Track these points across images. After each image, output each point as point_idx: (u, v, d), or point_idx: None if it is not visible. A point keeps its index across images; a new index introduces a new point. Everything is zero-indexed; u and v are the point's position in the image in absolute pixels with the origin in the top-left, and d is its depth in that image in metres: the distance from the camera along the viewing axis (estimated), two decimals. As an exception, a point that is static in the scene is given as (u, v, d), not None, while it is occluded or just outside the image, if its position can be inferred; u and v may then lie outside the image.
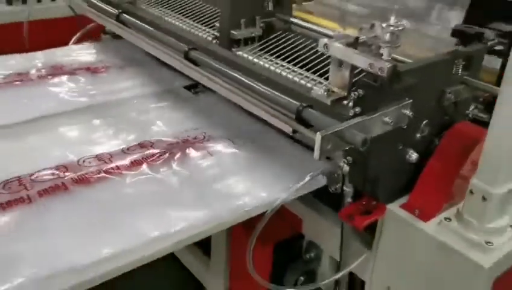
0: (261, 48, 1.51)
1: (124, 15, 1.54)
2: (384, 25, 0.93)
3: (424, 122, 1.13)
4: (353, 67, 1.01)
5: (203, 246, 1.98)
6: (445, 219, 1.11)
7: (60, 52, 1.71)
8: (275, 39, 1.50)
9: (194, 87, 1.61)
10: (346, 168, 1.08)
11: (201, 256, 2.05)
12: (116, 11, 1.56)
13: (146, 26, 1.47)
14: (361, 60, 0.96)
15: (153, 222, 0.95)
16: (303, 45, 1.41)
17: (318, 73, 1.28)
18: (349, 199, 1.14)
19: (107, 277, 0.86)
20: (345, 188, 1.13)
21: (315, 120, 0.97)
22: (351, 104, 0.99)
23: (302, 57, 1.36)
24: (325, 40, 1.03)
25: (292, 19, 1.59)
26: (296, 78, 1.25)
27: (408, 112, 1.00)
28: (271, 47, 1.48)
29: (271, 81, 1.19)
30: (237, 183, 1.09)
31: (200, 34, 1.59)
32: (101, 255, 0.86)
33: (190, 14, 1.72)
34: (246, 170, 1.14)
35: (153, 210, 0.99)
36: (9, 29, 2.47)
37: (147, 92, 1.49)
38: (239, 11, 1.49)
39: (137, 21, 1.51)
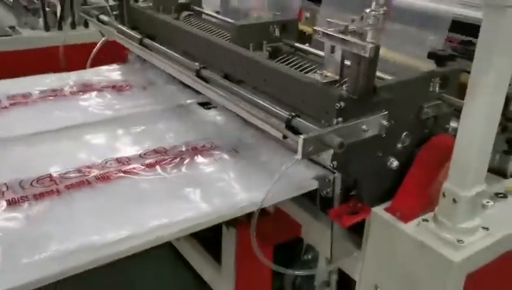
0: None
1: (146, 39, 1.74)
2: (367, 10, 1.08)
3: (404, 133, 1.26)
4: (343, 53, 1.15)
5: (215, 253, 2.13)
6: (423, 220, 1.24)
7: (90, 73, 1.92)
8: (279, 61, 1.67)
9: (207, 104, 1.79)
10: (336, 174, 1.22)
11: (212, 262, 2.20)
12: (140, 36, 1.77)
13: (164, 48, 1.67)
14: (347, 43, 1.11)
15: (162, 212, 1.11)
16: (303, 66, 1.58)
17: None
18: (337, 201, 1.27)
19: (122, 255, 1.02)
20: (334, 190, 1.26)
21: (302, 127, 1.13)
22: (334, 115, 1.14)
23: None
24: (322, 28, 1.18)
25: (296, 44, 1.75)
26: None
27: (385, 122, 1.14)
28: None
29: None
30: (236, 185, 1.25)
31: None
32: (118, 236, 1.02)
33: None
34: (244, 173, 1.30)
35: (162, 203, 1.15)
36: (47, 52, 2.73)
37: (164, 107, 1.68)
38: (247, 37, 1.67)
39: (156, 44, 1.71)
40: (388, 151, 1.25)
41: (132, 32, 1.81)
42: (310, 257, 1.58)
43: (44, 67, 2.05)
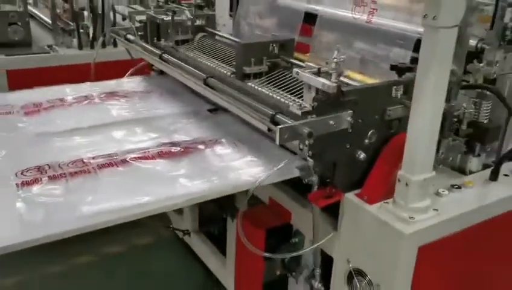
0: (267, 80, 1.97)
1: (165, 55, 2.07)
2: (332, 58, 1.38)
3: (370, 131, 1.53)
4: (317, 90, 1.45)
5: (222, 248, 2.40)
6: (385, 202, 1.50)
7: (116, 83, 2.26)
8: (277, 74, 1.97)
9: (216, 110, 2.10)
10: (311, 161, 1.49)
11: (218, 255, 2.47)
12: (160, 51, 2.10)
13: (179, 62, 1.99)
14: (317, 82, 1.41)
15: (169, 186, 1.40)
16: (295, 79, 1.87)
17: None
18: (316, 186, 1.54)
19: (144, 215, 1.31)
20: (312, 177, 1.53)
21: (282, 122, 1.42)
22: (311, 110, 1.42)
23: (294, 86, 1.81)
24: (297, 69, 1.49)
25: (292, 60, 2.05)
26: (283, 100, 1.70)
27: (349, 119, 1.42)
28: (274, 79, 1.94)
29: (265, 101, 1.66)
30: (231, 171, 1.54)
31: (221, 70, 2.08)
32: (140, 201, 1.32)
33: (216, 55, 2.23)
34: (240, 162, 1.59)
35: (171, 180, 1.45)
36: (80, 68, 3.10)
37: (178, 111, 1.99)
38: (249, 53, 1.98)
39: (173, 58, 2.03)
40: (356, 145, 1.51)
41: (153, 49, 2.15)
42: (297, 240, 1.84)
43: (78, 82, 2.39)
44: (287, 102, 1.69)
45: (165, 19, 2.36)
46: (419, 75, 1.33)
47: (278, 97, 1.76)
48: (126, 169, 1.49)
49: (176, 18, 2.38)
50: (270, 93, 1.81)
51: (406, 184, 1.42)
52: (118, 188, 1.40)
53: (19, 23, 3.23)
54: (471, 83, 1.69)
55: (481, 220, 1.53)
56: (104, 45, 3.29)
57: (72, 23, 3.35)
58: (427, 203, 1.45)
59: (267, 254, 1.70)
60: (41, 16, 3.87)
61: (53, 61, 3.18)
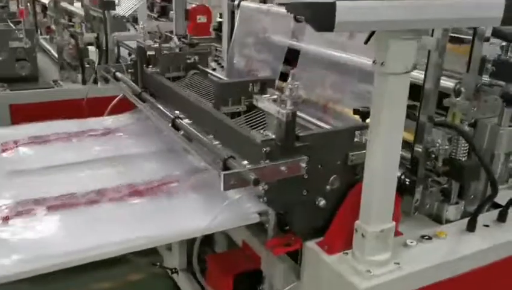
0: (245, 119, 1.94)
1: (144, 93, 2.08)
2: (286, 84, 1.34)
3: (332, 177, 1.47)
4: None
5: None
6: (344, 253, 1.42)
7: (98, 120, 2.28)
8: (255, 114, 1.93)
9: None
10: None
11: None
12: (140, 90, 2.11)
13: (154, 101, 1.99)
14: (273, 108, 1.37)
15: (113, 230, 1.38)
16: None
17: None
18: (273, 233, 1.48)
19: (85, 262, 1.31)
20: (269, 223, 1.48)
21: (232, 166, 1.37)
22: (263, 157, 1.37)
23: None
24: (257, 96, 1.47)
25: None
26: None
27: (303, 165, 1.37)
28: (251, 119, 1.90)
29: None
30: (188, 213, 1.50)
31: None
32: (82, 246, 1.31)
33: (201, 92, 2.22)
34: (197, 204, 1.55)
35: (129, 224, 1.45)
36: (82, 103, 3.16)
37: (152, 150, 1.98)
38: (227, 93, 1.96)
39: (150, 97, 2.04)
40: (315, 191, 1.45)
41: (135, 87, 2.16)
42: (265, 287, 1.77)
43: (79, 117, 2.43)
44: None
45: (152, 45, 2.39)
46: (372, 121, 1.27)
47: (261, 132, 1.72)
48: (75, 211, 1.48)
49: (164, 50, 2.41)
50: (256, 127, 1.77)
51: (362, 235, 1.34)
52: (62, 230, 1.39)
53: (27, 59, 3.33)
54: (445, 120, 1.61)
55: (449, 276, 1.43)
56: (107, 80, 3.35)
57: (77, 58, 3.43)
58: (387, 256, 1.37)
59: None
60: (52, 50, 4.00)
61: (56, 95, 3.26)
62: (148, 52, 2.43)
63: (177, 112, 1.83)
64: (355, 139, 1.48)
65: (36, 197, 1.55)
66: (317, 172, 1.43)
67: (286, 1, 2.17)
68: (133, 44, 3.94)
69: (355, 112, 1.52)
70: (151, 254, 2.82)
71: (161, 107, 1.88)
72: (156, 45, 2.38)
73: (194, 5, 6.02)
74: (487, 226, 1.63)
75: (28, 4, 4.73)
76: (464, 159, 1.60)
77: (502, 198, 1.71)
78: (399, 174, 1.69)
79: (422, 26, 1.13)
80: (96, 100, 2.81)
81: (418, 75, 1.52)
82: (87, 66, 3.47)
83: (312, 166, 1.41)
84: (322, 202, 1.46)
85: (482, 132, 1.68)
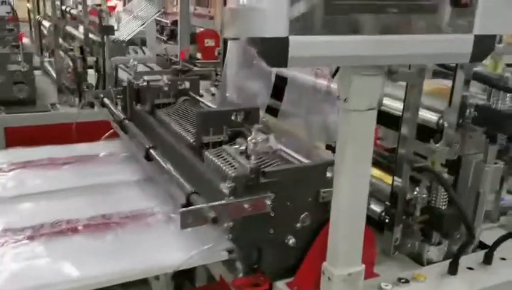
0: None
1: (126, 121, 2.05)
2: (249, 138, 1.30)
3: (303, 214, 1.41)
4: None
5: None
6: (313, 295, 1.35)
7: (81, 146, 2.25)
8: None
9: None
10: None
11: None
12: (122, 117, 2.08)
13: (135, 130, 1.96)
14: (238, 160, 1.32)
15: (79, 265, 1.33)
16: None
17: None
18: (240, 271, 1.42)
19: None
20: (236, 262, 1.41)
21: (196, 202, 1.32)
22: (227, 192, 1.32)
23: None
24: (226, 147, 1.41)
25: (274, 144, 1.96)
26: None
27: (269, 203, 1.31)
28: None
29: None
30: (163, 247, 1.45)
31: (188, 137, 2.03)
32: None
33: (189, 120, 2.18)
34: (173, 237, 1.49)
35: (100, 257, 1.40)
36: (77, 127, 3.15)
37: (132, 178, 1.94)
38: (208, 122, 1.92)
39: (132, 126, 2.01)
40: (284, 229, 1.39)
41: (120, 115, 2.14)
42: (238, 326, 1.69)
43: (60, 139, 2.41)
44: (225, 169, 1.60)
45: (140, 84, 2.36)
46: (337, 158, 1.21)
47: (226, 169, 1.67)
48: (43, 243, 1.44)
49: (152, 84, 2.38)
50: (222, 165, 1.72)
51: (329, 278, 1.27)
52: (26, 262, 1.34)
53: (25, 82, 3.35)
54: (426, 164, 1.54)
55: (424, 323, 1.35)
56: (104, 105, 3.36)
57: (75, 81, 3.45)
58: (356, 301, 1.29)
59: None
60: (53, 73, 4.03)
61: (52, 119, 3.27)
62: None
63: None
64: (328, 175, 1.42)
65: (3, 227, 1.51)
66: (286, 209, 1.37)
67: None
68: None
69: (328, 147, 1.46)
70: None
71: (138, 137, 1.84)
72: (145, 84, 2.36)
73: (202, 29, 6.09)
74: (471, 269, 1.54)
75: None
76: (444, 207, 1.53)
77: (491, 237, 1.63)
78: (379, 210, 1.64)
79: (383, 62, 1.08)
80: (93, 124, 2.80)
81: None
82: (86, 89, 3.49)
83: (280, 203, 1.35)
84: (291, 241, 1.40)
85: (466, 169, 1.61)
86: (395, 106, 1.68)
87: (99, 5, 3.44)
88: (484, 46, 1.06)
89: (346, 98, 1.12)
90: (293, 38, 0.97)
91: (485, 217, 1.70)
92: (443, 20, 1.03)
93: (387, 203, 1.58)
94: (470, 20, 1.04)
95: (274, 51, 0.98)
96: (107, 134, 2.27)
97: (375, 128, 1.26)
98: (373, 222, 1.68)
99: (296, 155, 1.66)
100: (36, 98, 3.51)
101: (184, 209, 1.22)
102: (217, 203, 1.26)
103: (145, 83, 2.38)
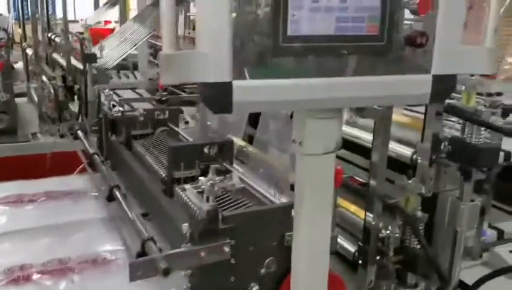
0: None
1: (95, 156, 1.99)
2: (203, 179, 1.23)
3: (268, 259, 1.33)
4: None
5: None
6: None
7: (54, 181, 2.18)
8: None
9: (146, 215, 1.95)
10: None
11: None
12: (91, 151, 2.02)
13: (102, 167, 1.90)
14: (195, 202, 1.27)
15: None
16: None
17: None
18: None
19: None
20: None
21: (150, 251, 1.25)
22: (185, 240, 1.25)
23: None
24: (187, 186, 1.35)
25: (226, 165, 1.91)
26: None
27: (227, 250, 1.23)
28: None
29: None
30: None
31: (161, 171, 1.97)
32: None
33: (163, 154, 2.12)
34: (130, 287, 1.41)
35: None
36: (58, 156, 3.10)
37: (98, 217, 1.86)
38: (179, 157, 1.86)
39: (100, 162, 1.95)
40: (246, 276, 1.31)
41: (89, 149, 2.08)
42: None
43: (50, 171, 2.35)
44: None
45: (115, 114, 2.31)
46: (296, 204, 1.15)
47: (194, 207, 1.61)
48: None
49: (127, 114, 2.33)
50: (190, 203, 1.66)
51: (290, 332, 1.19)
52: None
53: (6, 112, 3.30)
54: (396, 202, 1.47)
55: None
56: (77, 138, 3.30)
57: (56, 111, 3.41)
58: None
59: None
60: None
61: (32, 149, 3.21)
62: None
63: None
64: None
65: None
66: (248, 255, 1.30)
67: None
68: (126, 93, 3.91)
69: (292, 187, 1.39)
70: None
71: (104, 174, 1.78)
72: (119, 114, 2.30)
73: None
74: (450, 315, 1.46)
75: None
76: (418, 246, 1.46)
77: (473, 276, 1.55)
78: (353, 250, 1.57)
79: (335, 105, 1.01)
80: (72, 154, 2.74)
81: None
82: (70, 118, 3.44)
83: (241, 248, 1.28)
84: (255, 288, 1.32)
85: (442, 206, 1.54)
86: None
87: (82, 33, 3.40)
88: (444, 86, 1.00)
89: (301, 141, 1.06)
90: (237, 83, 0.91)
91: (466, 254, 1.63)
92: (398, 61, 0.97)
93: (360, 243, 1.51)
94: (427, 60, 0.98)
95: (217, 96, 0.92)
96: (78, 169, 2.20)
97: (339, 169, 1.20)
98: (348, 262, 1.61)
99: (265, 193, 1.60)
100: (18, 127, 3.46)
101: (133, 261, 1.15)
102: (170, 252, 1.19)
103: (119, 114, 2.33)
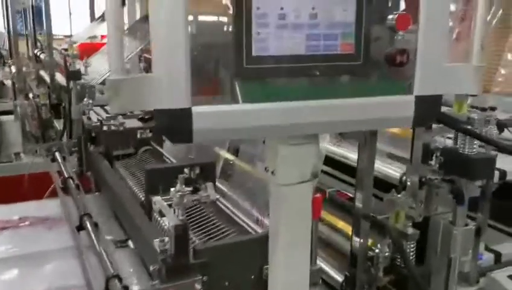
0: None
1: (69, 180, 1.89)
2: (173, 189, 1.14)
3: (246, 293, 1.23)
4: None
5: None
6: None
7: (30, 205, 2.08)
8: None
9: (125, 241, 1.85)
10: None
11: None
12: (67, 175, 1.93)
13: (74, 192, 1.81)
14: (166, 217, 1.17)
15: None
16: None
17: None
18: None
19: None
20: None
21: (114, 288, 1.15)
22: (154, 277, 1.15)
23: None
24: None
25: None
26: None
27: (199, 287, 1.13)
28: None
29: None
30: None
31: (140, 195, 1.87)
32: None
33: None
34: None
35: None
36: (41, 177, 3.00)
37: (69, 246, 1.76)
38: (157, 179, 1.76)
39: (73, 187, 1.85)
40: (222, 314, 1.21)
41: (63, 172, 1.99)
42: None
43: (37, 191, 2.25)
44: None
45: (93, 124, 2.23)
46: (270, 236, 1.05)
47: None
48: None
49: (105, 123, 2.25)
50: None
51: None
52: None
53: (-11, 133, 3.22)
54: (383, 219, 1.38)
55: None
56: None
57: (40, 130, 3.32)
58: None
59: None
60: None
61: (15, 169, 3.11)
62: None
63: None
64: (272, 249, 1.24)
65: None
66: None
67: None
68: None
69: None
70: None
71: (76, 201, 1.68)
72: (98, 123, 2.22)
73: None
74: None
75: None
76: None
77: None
78: (340, 280, 1.48)
79: (309, 131, 0.92)
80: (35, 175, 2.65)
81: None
82: (55, 136, 3.35)
83: (216, 284, 1.17)
84: (231, 327, 1.22)
85: (435, 231, 1.44)
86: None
87: (66, 49, 3.31)
88: (428, 107, 0.91)
89: (273, 170, 0.96)
90: (197, 109, 0.82)
91: (462, 279, 1.53)
92: (376, 81, 0.89)
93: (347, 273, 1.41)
94: (408, 80, 0.89)
95: (175, 124, 0.82)
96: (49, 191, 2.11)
97: (318, 197, 1.11)
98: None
99: (245, 218, 1.50)
100: (2, 147, 3.36)
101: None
102: (135, 291, 1.09)
103: (98, 123, 2.25)
